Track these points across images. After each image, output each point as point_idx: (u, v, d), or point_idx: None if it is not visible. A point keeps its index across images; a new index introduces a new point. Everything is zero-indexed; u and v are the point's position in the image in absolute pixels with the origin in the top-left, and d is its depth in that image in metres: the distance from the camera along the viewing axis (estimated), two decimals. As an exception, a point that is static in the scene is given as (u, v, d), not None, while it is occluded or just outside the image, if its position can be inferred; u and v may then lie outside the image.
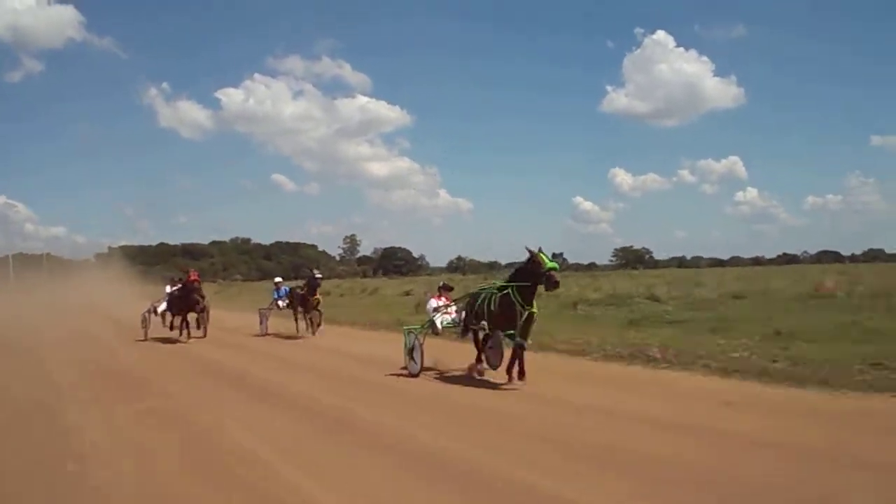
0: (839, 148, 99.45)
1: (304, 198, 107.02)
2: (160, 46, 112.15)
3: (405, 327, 10.75)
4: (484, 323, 9.52)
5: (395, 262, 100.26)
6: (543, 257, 8.51)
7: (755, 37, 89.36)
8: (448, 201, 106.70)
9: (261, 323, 17.82)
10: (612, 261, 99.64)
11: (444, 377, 9.61)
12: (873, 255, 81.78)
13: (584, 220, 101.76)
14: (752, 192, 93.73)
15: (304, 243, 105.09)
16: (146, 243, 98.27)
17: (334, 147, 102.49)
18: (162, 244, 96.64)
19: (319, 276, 16.83)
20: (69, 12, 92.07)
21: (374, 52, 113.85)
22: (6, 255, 70.85)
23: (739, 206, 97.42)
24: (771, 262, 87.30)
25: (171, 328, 16.70)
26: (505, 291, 8.89)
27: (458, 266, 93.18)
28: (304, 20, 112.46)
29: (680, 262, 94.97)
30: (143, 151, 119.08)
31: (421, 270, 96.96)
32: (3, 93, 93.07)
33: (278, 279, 20.41)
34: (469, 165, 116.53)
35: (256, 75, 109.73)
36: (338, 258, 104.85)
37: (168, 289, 17.76)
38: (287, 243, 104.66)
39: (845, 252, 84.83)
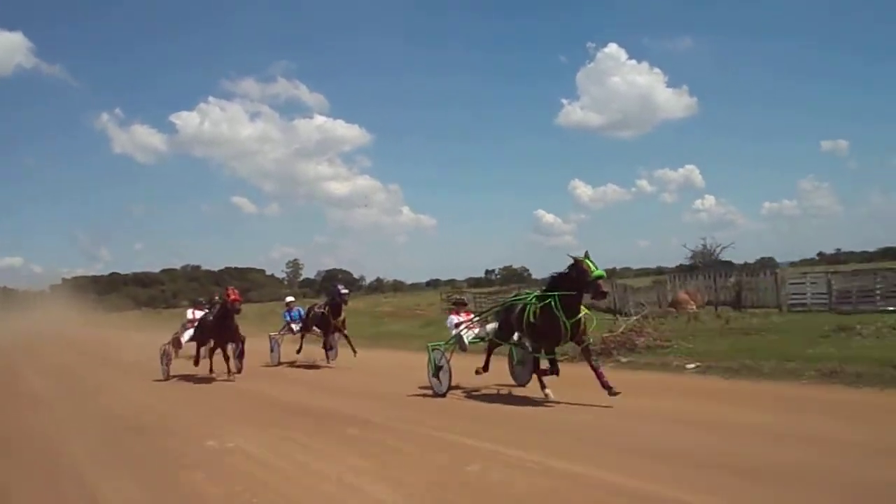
0: (791, 153, 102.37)
1: (265, 219, 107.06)
2: (111, 72, 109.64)
3: (430, 344, 10.13)
4: (515, 336, 9.30)
5: (335, 284, 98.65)
6: (590, 263, 7.94)
7: (703, 47, 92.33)
8: (411, 218, 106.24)
9: (272, 350, 15.62)
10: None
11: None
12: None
13: (547, 232, 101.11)
14: (709, 200, 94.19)
15: (253, 268, 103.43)
16: (105, 271, 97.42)
17: (293, 168, 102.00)
18: (114, 273, 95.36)
19: (346, 291, 14.53)
20: (17, 38, 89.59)
21: (329, 72, 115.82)
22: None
23: (698, 214, 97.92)
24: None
25: (197, 363, 13.33)
26: (546, 302, 8.27)
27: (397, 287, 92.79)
28: (256, 43, 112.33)
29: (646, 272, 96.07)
30: (98, 178, 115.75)
31: (361, 290, 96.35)
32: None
33: (290, 298, 17.89)
34: (431, 182, 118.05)
35: (211, 98, 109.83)
36: (285, 282, 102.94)
37: (191, 313, 14.89)
38: (236, 269, 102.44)
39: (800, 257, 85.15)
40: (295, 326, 15.82)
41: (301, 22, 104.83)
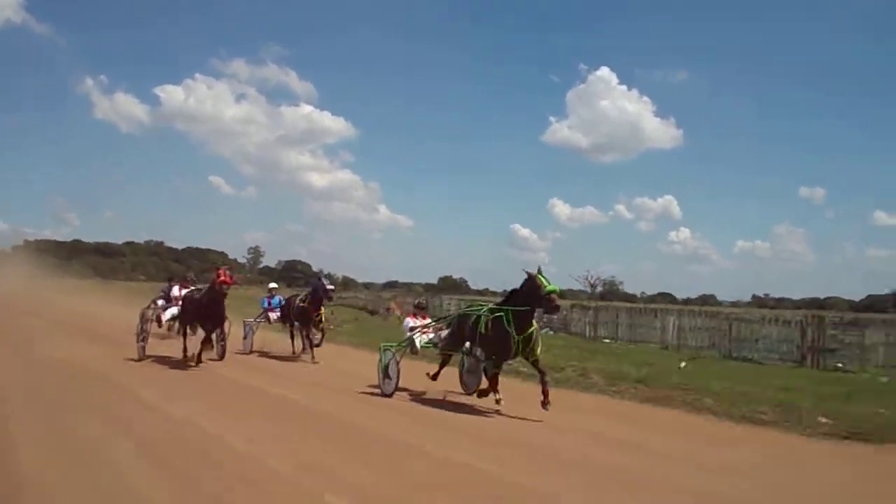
0: (769, 194, 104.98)
1: (241, 202, 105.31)
2: (101, 37, 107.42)
3: (382, 344, 10.23)
4: (468, 345, 9.49)
5: (293, 275, 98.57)
6: (543, 279, 8.10)
7: (694, 82, 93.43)
8: (388, 217, 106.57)
9: (245, 337, 14.67)
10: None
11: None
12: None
13: (521, 247, 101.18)
14: (685, 232, 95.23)
15: (214, 249, 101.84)
16: (73, 236, 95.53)
17: (275, 154, 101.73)
18: (76, 241, 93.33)
19: (331, 286, 13.91)
20: None
21: (321, 62, 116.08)
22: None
23: (672, 245, 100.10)
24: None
25: (186, 350, 12.15)
26: (497, 315, 8.47)
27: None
28: (250, 25, 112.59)
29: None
30: (76, 142, 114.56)
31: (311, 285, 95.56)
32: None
33: (273, 285, 17.26)
34: (411, 183, 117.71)
35: (198, 75, 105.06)
36: (246, 268, 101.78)
37: (177, 291, 14.05)
38: (197, 249, 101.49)
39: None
40: (273, 315, 15.38)
41: (297, 9, 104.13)
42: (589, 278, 45.88)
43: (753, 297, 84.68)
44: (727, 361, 16.84)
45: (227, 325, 12.15)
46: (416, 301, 12.95)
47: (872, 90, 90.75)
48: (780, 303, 74.51)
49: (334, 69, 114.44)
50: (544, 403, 8.13)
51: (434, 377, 9.74)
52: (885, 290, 72.48)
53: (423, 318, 11.21)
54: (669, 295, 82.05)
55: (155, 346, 13.03)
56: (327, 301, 13.85)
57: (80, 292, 40.02)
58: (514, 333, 8.24)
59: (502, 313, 8.40)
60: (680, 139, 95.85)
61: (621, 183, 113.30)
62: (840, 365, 15.70)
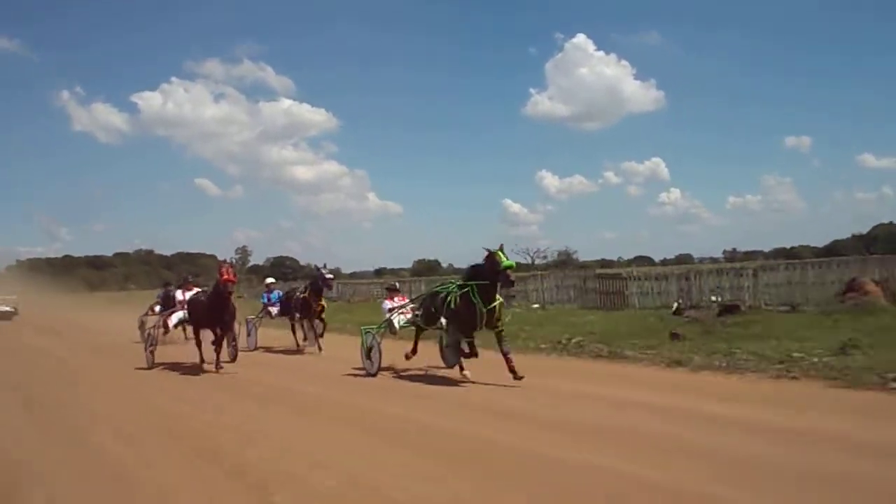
0: (756, 148, 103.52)
1: (229, 202, 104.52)
2: (72, 48, 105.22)
3: (363, 327, 10.86)
4: (442, 321, 10.01)
5: (283, 270, 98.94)
6: (501, 255, 8.66)
7: (671, 41, 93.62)
8: (377, 205, 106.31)
9: (248, 335, 14.71)
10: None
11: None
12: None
13: (514, 222, 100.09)
14: (675, 193, 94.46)
15: (203, 253, 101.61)
16: (65, 251, 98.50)
17: (258, 151, 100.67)
18: (67, 256, 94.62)
19: (330, 275, 13.89)
20: None
21: (296, 56, 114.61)
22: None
23: (664, 207, 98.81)
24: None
25: (201, 355, 11.71)
26: (465, 290, 9.02)
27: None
28: (221, 23, 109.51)
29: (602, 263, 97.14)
30: (58, 157, 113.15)
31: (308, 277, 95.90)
32: None
33: (270, 280, 17.34)
34: (398, 169, 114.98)
35: (174, 78, 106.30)
36: (236, 267, 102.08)
37: (181, 294, 13.61)
38: (187, 254, 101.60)
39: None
40: (273, 310, 15.42)
41: (269, 4, 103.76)
42: (530, 253, 55.05)
43: (724, 252, 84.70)
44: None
45: (236, 325, 11.83)
46: (388, 284, 13.45)
47: (851, 36, 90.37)
48: (749, 255, 74.21)
49: (310, 62, 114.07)
50: (514, 372, 8.61)
51: (413, 352, 10.22)
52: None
53: (402, 299, 11.76)
54: (648, 258, 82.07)
55: (161, 353, 12.59)
56: (327, 290, 13.92)
57: (80, 307, 40.64)
58: (480, 306, 8.80)
59: (468, 288, 8.96)
60: (662, 100, 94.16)
61: (607, 149, 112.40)
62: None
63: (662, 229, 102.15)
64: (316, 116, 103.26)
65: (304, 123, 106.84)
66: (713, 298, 17.29)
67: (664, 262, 74.12)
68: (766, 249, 77.93)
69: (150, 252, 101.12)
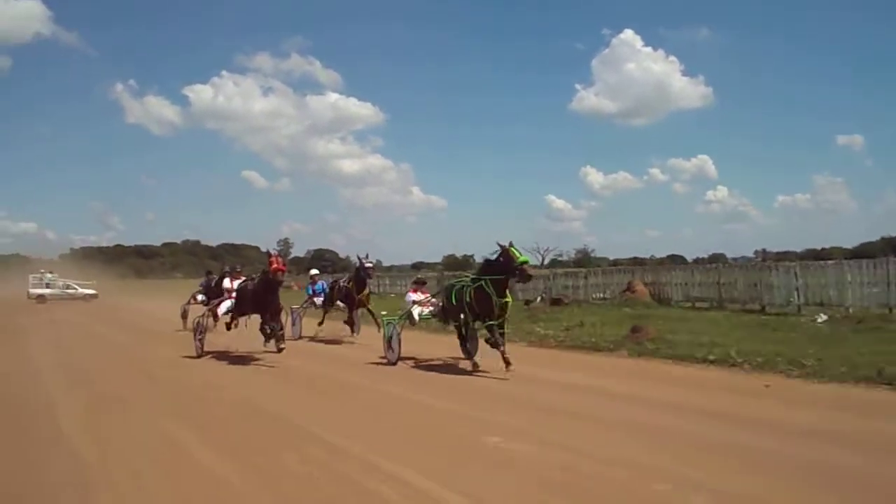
0: (806, 147, 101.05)
1: (276, 195, 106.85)
2: (127, 42, 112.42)
3: (384, 318, 11.37)
4: (463, 315, 10.29)
5: (322, 263, 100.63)
6: (515, 251, 9.09)
7: (720, 38, 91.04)
8: (421, 199, 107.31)
9: (293, 324, 15.05)
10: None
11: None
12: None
13: (557, 218, 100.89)
14: (722, 191, 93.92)
15: (248, 244, 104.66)
16: (118, 240, 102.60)
17: (305, 144, 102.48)
18: (118, 245, 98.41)
19: (370, 264, 14.01)
20: (37, 6, 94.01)
21: (344, 50, 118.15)
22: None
23: (710, 205, 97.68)
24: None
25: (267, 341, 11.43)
26: (478, 284, 9.44)
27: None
28: (271, 18, 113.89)
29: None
30: (112, 148, 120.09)
31: (347, 270, 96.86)
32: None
33: (314, 271, 17.84)
34: (443, 163, 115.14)
35: (224, 72, 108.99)
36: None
37: (229, 283, 13.22)
38: (232, 245, 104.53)
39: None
40: (318, 300, 15.78)
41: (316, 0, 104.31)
42: (540, 251, 55.94)
43: (755, 252, 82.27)
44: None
45: (283, 315, 11.71)
46: (416, 277, 14.01)
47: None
48: (781, 256, 71.85)
49: (357, 57, 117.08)
50: (506, 363, 8.91)
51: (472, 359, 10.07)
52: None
53: (424, 293, 12.31)
54: (681, 257, 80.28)
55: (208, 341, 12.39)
56: (368, 279, 14.13)
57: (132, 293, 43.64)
58: (495, 297, 9.23)
59: (482, 282, 9.40)
60: (710, 97, 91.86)
61: (653, 145, 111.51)
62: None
63: (708, 228, 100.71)
64: (362, 110, 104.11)
65: (350, 117, 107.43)
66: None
67: (696, 262, 72.80)
68: (799, 250, 75.83)
69: (197, 242, 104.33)
